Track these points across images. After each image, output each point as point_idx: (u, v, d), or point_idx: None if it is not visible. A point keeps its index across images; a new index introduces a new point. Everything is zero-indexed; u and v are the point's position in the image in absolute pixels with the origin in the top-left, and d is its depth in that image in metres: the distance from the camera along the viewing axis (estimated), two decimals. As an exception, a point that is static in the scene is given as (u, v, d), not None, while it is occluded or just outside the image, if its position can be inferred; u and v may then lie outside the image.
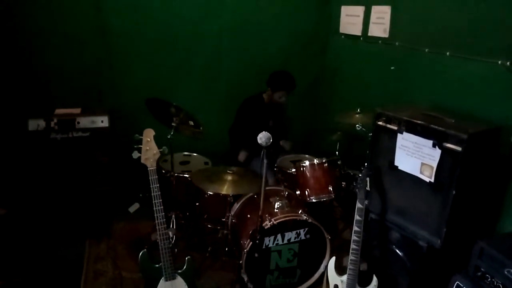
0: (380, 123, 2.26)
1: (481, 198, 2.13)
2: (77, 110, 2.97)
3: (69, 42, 3.10)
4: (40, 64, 3.07)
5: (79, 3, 3.05)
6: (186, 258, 2.16)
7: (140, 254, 2.09)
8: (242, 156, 3.10)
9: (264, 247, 2.39)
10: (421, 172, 2.07)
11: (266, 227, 2.33)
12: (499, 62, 2.09)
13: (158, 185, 2.03)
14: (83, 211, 2.92)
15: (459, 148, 1.87)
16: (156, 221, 2.04)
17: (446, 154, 1.94)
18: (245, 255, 2.34)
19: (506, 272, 1.67)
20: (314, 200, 2.73)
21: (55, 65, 3.11)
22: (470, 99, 2.32)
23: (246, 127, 3.15)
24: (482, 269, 1.78)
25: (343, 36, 3.61)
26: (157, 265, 2.08)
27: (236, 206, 2.74)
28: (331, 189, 2.73)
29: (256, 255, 2.30)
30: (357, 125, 2.74)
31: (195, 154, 3.29)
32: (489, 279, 1.75)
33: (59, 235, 2.85)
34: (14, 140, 2.88)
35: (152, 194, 2.03)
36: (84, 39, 3.14)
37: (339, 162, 2.87)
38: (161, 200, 2.04)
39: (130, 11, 3.18)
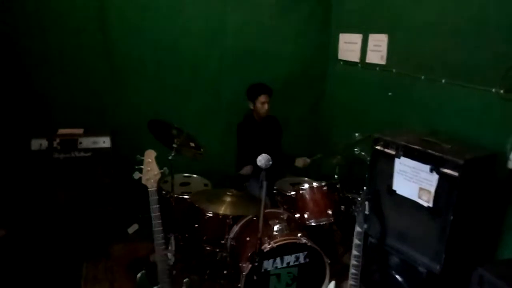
0: (378, 147, 2.30)
1: (480, 224, 2.14)
2: (79, 131, 3.01)
3: (73, 63, 3.18)
4: (43, 84, 3.13)
5: (84, 25, 3.14)
6: (184, 281, 2.15)
7: (138, 275, 2.08)
8: (246, 170, 3.05)
9: (263, 270, 2.37)
10: (419, 197, 2.09)
11: (265, 250, 2.32)
12: (493, 90, 2.15)
13: (158, 206, 2.04)
14: (83, 232, 2.91)
15: (456, 174, 1.90)
16: (155, 242, 2.04)
17: (443, 179, 1.96)
18: (243, 278, 2.31)
19: (505, 299, 1.67)
20: (313, 224, 2.73)
21: (58, 86, 3.17)
22: (466, 125, 2.36)
23: (248, 147, 3.18)
24: (482, 296, 1.77)
25: (341, 63, 3.71)
26: (155, 287, 2.07)
27: (235, 228, 2.73)
28: (331, 213, 2.73)
29: (254, 277, 2.28)
30: (355, 149, 2.77)
31: (195, 176, 3.30)
32: (489, 306, 1.74)
33: (57, 255, 2.82)
34: (17, 159, 2.90)
35: (152, 215, 2.04)
36: (88, 61, 3.22)
37: (338, 186, 2.88)
38: (160, 221, 2.05)
39: (135, 34, 3.28)
